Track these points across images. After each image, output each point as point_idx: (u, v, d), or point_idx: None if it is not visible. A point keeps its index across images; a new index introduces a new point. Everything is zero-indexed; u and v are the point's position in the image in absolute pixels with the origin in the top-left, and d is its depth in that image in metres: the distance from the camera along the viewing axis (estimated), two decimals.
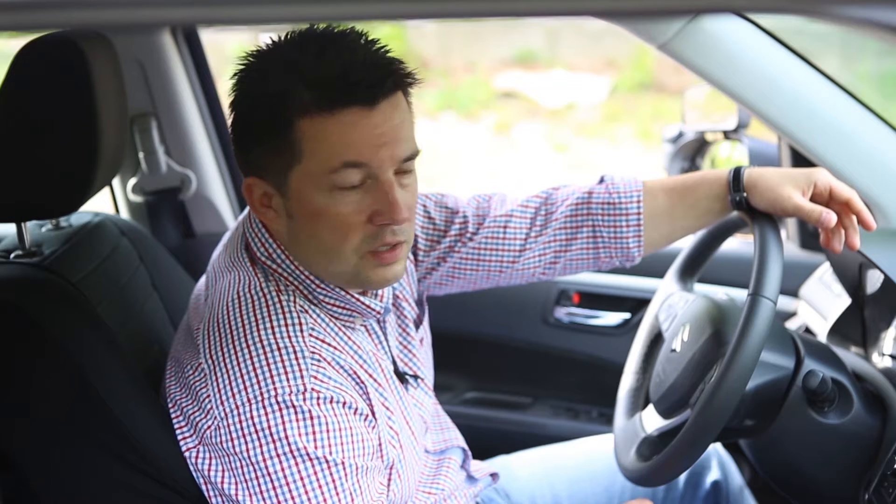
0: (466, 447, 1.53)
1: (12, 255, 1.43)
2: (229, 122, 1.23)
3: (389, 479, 1.27)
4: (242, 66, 1.20)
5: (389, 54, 1.16)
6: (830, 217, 1.32)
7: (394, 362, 1.36)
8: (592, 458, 1.67)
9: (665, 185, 1.47)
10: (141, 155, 2.11)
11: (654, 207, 1.45)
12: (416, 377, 1.41)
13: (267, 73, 1.16)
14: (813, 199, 1.36)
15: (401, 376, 1.36)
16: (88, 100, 1.34)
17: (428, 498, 1.39)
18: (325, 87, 1.11)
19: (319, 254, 1.20)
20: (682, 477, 1.61)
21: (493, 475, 1.57)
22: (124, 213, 2.18)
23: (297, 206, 1.18)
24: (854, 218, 1.34)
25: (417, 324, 1.46)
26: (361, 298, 1.26)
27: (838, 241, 1.35)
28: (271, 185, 1.19)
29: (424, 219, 1.47)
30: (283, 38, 1.19)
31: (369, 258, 1.19)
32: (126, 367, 1.32)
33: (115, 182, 2.16)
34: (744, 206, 1.39)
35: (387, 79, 1.14)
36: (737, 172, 1.40)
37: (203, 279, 1.39)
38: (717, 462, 1.65)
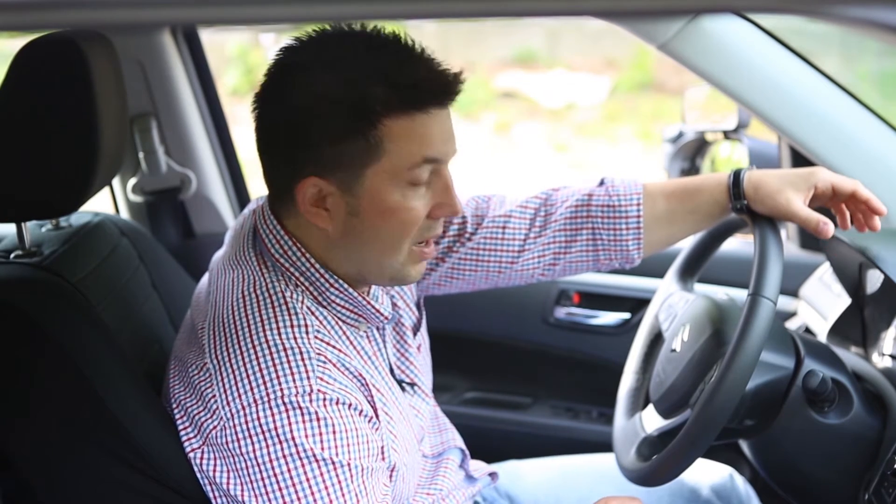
0: (465, 447, 1.53)
1: (12, 255, 1.43)
2: (274, 120, 1.21)
3: (391, 481, 1.27)
4: (298, 65, 1.19)
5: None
6: (827, 228, 1.32)
7: (391, 369, 1.36)
8: (605, 479, 1.63)
9: (665, 189, 1.46)
10: (141, 155, 2.11)
11: (654, 211, 1.45)
12: (412, 384, 1.41)
13: (343, 76, 1.16)
14: (817, 199, 1.37)
15: (398, 383, 1.36)
16: (88, 100, 1.34)
17: (426, 499, 1.39)
18: (412, 88, 1.17)
19: (380, 249, 1.23)
20: (685, 478, 1.61)
21: (493, 475, 1.57)
22: (124, 213, 2.18)
23: (367, 203, 1.19)
24: (863, 206, 1.35)
25: (416, 329, 1.46)
26: (372, 302, 1.27)
27: (859, 226, 1.37)
28: (335, 184, 1.19)
29: None
30: (337, 40, 1.19)
31: (415, 252, 1.25)
32: (126, 368, 1.32)
33: (115, 182, 2.16)
34: (745, 211, 1.39)
35: (459, 83, 1.20)
36: (736, 177, 1.39)
37: (206, 276, 1.40)
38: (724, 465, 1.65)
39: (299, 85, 1.18)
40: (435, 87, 1.18)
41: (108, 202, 2.21)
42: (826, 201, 1.37)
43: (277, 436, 1.14)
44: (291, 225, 1.25)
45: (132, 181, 2.13)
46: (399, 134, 1.17)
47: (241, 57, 7.16)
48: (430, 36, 7.29)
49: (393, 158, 1.18)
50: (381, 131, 1.16)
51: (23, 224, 1.43)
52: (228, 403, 1.17)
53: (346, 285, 1.25)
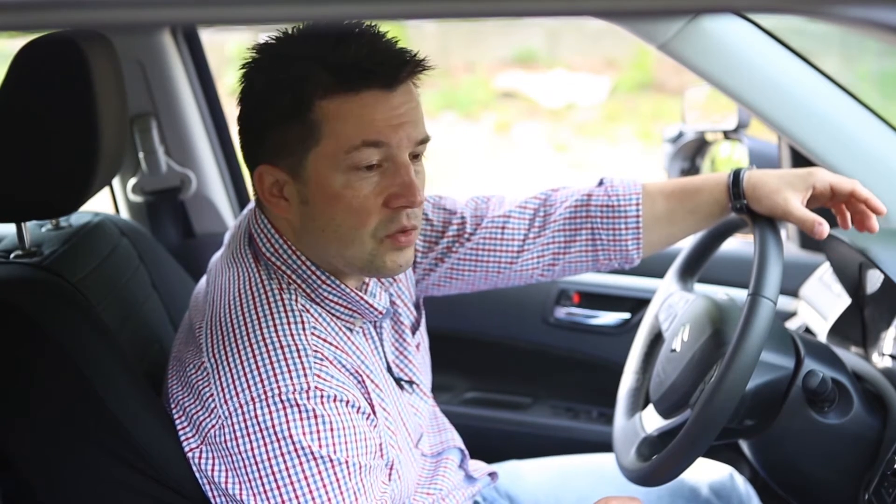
0: (464, 447, 1.53)
1: (12, 255, 1.43)
2: (237, 113, 1.24)
3: (389, 478, 1.27)
4: (254, 57, 1.21)
5: (401, 45, 1.20)
6: (822, 229, 1.32)
7: (389, 367, 1.36)
8: (604, 479, 1.63)
9: (664, 189, 1.46)
10: (141, 155, 2.11)
11: (654, 211, 1.45)
12: (411, 383, 1.41)
13: (285, 60, 1.18)
14: (816, 199, 1.37)
15: (397, 381, 1.36)
16: (88, 100, 1.34)
17: (426, 499, 1.39)
18: (347, 68, 1.15)
19: (336, 239, 1.20)
20: (685, 478, 1.61)
21: (492, 474, 1.57)
22: (124, 213, 2.18)
23: (314, 189, 1.18)
24: (862, 206, 1.35)
25: (414, 329, 1.46)
26: (365, 297, 1.27)
27: (858, 226, 1.37)
28: (285, 170, 1.19)
29: (422, 220, 1.47)
30: (294, 31, 1.21)
31: (386, 242, 1.21)
32: (126, 368, 1.32)
33: (115, 182, 2.16)
34: (745, 211, 1.40)
35: (406, 63, 1.17)
36: (736, 177, 1.39)
37: (204, 277, 1.40)
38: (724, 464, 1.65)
39: (255, 77, 1.21)
40: (374, 67, 1.15)
41: (108, 202, 2.21)
42: (825, 201, 1.37)
43: (275, 433, 1.14)
44: (270, 217, 1.26)
45: (132, 181, 2.13)
46: (335, 115, 1.16)
47: (241, 57, 7.15)
48: (430, 36, 7.29)
49: (331, 141, 1.16)
50: (316, 113, 1.16)
51: (23, 224, 1.43)
52: (226, 402, 1.17)
53: (337, 281, 1.25)
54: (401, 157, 1.18)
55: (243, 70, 1.22)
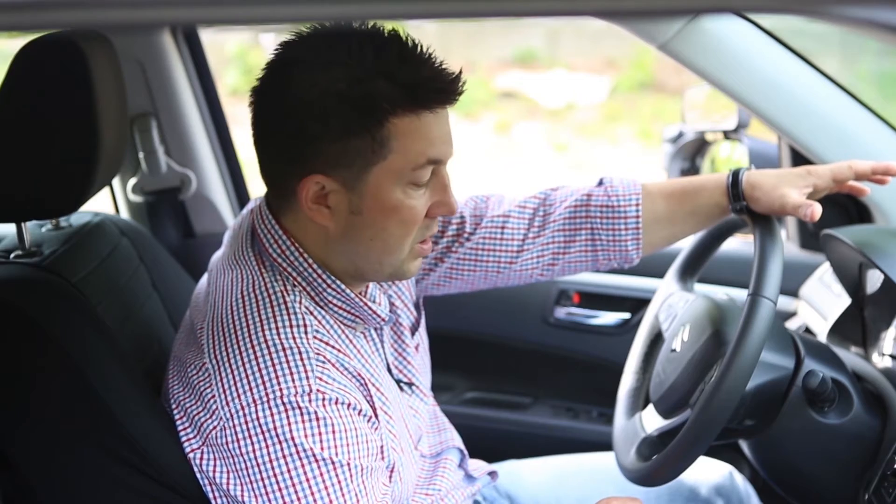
0: (463, 447, 1.53)
1: (12, 255, 1.43)
2: (270, 117, 1.20)
3: (390, 480, 1.27)
4: (293, 62, 1.18)
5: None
6: (815, 210, 1.33)
7: (389, 369, 1.36)
8: (604, 478, 1.64)
9: (664, 190, 1.46)
10: (141, 155, 2.11)
11: (653, 212, 1.45)
12: (410, 384, 1.41)
13: (348, 72, 1.15)
14: (819, 192, 1.39)
15: (396, 382, 1.36)
16: (88, 100, 1.33)
17: (425, 499, 1.39)
18: (418, 87, 1.16)
19: (382, 248, 1.22)
20: (685, 477, 1.61)
21: (492, 473, 1.57)
22: (124, 213, 2.18)
23: (370, 202, 1.19)
24: (869, 175, 1.39)
25: (414, 329, 1.46)
26: (370, 304, 1.27)
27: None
28: (339, 181, 1.18)
29: None
30: (338, 37, 1.18)
31: (416, 249, 1.25)
32: (126, 368, 1.32)
33: (115, 182, 2.16)
34: (744, 212, 1.40)
35: (461, 82, 1.20)
36: (735, 179, 1.40)
37: (205, 277, 1.40)
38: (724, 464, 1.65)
39: (301, 80, 1.16)
40: (440, 86, 1.18)
41: (108, 202, 2.21)
42: (833, 190, 1.40)
43: (277, 436, 1.14)
44: (289, 222, 1.25)
45: (132, 181, 2.13)
46: (405, 133, 1.17)
47: (241, 57, 7.18)
48: (430, 36, 7.27)
49: (398, 158, 1.17)
50: (388, 130, 1.16)
51: (23, 224, 1.43)
52: (228, 404, 1.17)
53: (343, 286, 1.25)
54: (444, 171, 1.23)
55: (280, 74, 1.19)
